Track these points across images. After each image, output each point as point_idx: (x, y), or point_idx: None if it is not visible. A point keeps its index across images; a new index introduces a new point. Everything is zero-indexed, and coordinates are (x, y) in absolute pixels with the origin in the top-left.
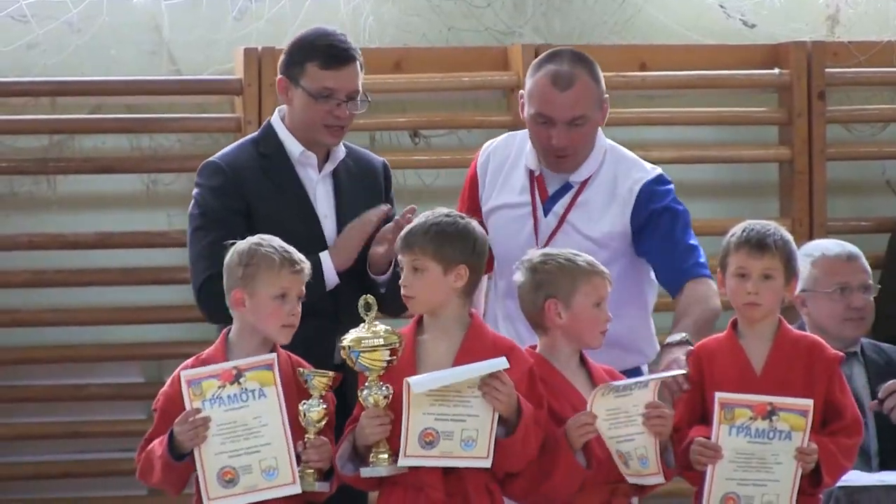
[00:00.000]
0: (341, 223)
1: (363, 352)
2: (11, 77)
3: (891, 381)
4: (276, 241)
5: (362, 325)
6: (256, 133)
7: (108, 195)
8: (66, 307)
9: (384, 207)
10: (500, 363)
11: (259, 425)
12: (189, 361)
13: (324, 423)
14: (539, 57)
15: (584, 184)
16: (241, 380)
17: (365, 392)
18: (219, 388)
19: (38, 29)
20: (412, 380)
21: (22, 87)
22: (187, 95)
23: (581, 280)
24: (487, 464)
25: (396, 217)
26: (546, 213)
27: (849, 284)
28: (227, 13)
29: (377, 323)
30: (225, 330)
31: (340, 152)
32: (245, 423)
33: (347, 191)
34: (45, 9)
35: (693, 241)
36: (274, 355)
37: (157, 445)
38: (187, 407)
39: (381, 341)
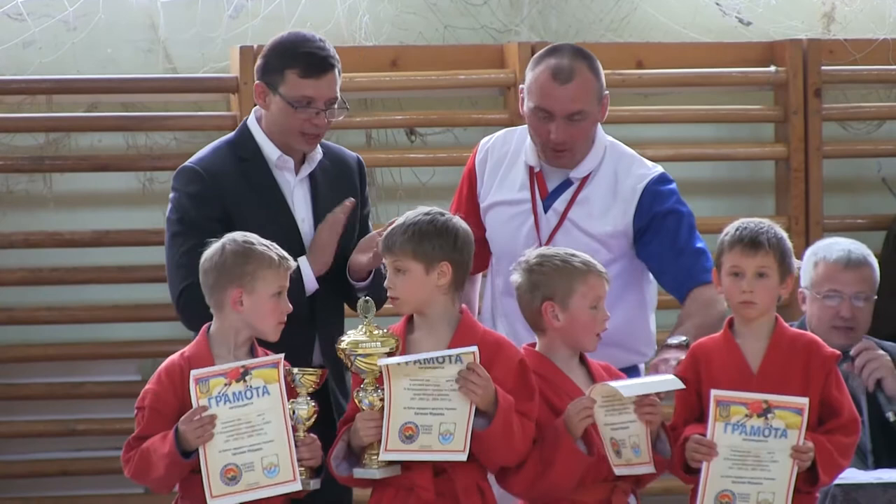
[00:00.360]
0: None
1: (360, 355)
2: (7, 75)
3: (864, 341)
4: (263, 239)
5: (360, 326)
6: (233, 135)
7: (104, 193)
8: (62, 305)
9: (348, 202)
10: (470, 350)
11: (262, 422)
12: (174, 357)
13: (313, 420)
14: (540, 51)
15: (584, 180)
16: (247, 377)
17: (361, 394)
18: (225, 385)
19: (34, 27)
20: (381, 360)
21: (18, 85)
22: (183, 93)
23: (578, 281)
24: (463, 457)
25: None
26: (546, 209)
27: (840, 293)
28: (222, 11)
29: (375, 323)
30: (205, 327)
31: (317, 154)
32: (249, 420)
33: (324, 193)
34: (41, 6)
35: (699, 244)
36: (281, 355)
37: (160, 443)
38: (194, 404)
39: (379, 345)
